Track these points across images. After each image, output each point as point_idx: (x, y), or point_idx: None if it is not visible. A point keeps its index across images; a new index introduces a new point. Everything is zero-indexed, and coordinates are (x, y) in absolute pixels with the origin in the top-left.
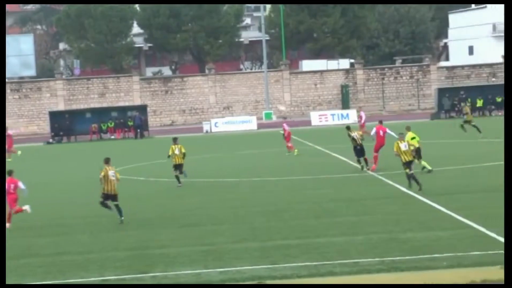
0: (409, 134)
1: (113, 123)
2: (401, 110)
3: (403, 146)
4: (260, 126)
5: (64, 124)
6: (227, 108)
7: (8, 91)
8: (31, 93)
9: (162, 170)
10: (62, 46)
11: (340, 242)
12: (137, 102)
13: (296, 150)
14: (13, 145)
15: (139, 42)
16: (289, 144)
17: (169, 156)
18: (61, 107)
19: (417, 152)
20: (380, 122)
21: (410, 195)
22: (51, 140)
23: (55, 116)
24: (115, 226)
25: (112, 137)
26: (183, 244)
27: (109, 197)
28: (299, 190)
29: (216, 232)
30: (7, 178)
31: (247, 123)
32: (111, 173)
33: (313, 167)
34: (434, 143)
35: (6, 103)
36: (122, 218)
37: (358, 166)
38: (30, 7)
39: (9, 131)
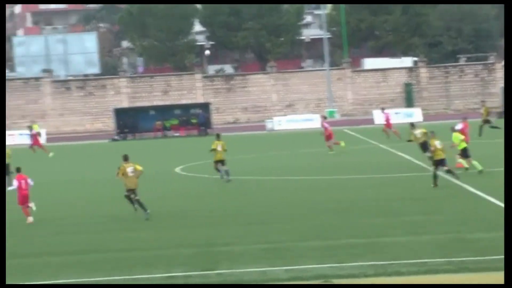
0: (454, 135)
1: (177, 121)
2: (466, 109)
3: (437, 143)
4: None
5: (129, 122)
6: (289, 106)
7: (73, 88)
8: (95, 91)
9: None
10: (125, 44)
11: (407, 242)
12: (200, 100)
13: (332, 150)
14: (41, 144)
15: (201, 40)
16: (330, 142)
17: (211, 151)
18: (125, 104)
19: (465, 152)
20: (464, 119)
21: (477, 195)
22: (116, 137)
23: (119, 114)
24: (180, 223)
25: (176, 134)
26: (247, 242)
27: (130, 192)
28: (363, 188)
29: (280, 230)
30: (17, 175)
31: (310, 121)
32: (129, 169)
33: (377, 165)
34: (498, 143)
35: (72, 101)
36: (148, 211)
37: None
38: (93, 5)
39: (34, 131)
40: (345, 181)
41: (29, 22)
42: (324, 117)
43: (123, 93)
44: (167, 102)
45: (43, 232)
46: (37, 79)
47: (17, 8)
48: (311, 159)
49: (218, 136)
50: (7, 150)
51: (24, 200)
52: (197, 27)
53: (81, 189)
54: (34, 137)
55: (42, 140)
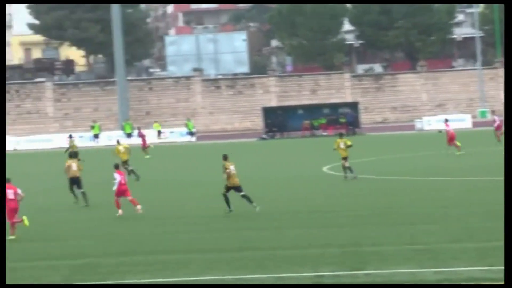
0: None
1: (325, 120)
2: None
3: None
4: (475, 124)
5: (277, 120)
6: (439, 106)
7: (222, 87)
8: (244, 90)
9: (372, 167)
10: (274, 43)
11: None
12: (348, 99)
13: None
14: (147, 143)
15: (350, 39)
16: (456, 143)
17: (334, 149)
18: (273, 103)
19: None
20: None
21: None
22: (264, 136)
23: (268, 112)
24: (327, 222)
25: (324, 133)
26: (396, 242)
27: (232, 189)
28: None
29: (429, 231)
30: (117, 170)
31: (461, 122)
32: (232, 167)
33: None
34: None
35: (222, 99)
36: (255, 204)
37: None
38: (243, 5)
39: (142, 131)
40: (494, 183)
41: (180, 22)
42: (446, 120)
43: (272, 92)
44: (316, 101)
45: (187, 228)
46: (188, 78)
47: (169, 8)
48: (460, 160)
49: (341, 135)
50: (126, 146)
51: (122, 193)
52: (347, 26)
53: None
54: (142, 137)
55: (193, 138)
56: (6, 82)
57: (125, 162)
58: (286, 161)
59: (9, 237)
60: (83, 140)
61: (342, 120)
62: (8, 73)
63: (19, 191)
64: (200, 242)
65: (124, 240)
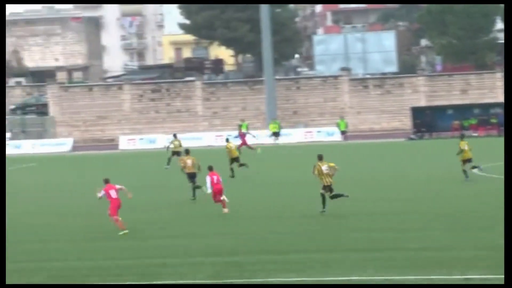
0: None
1: (475, 120)
2: None
3: None
4: None
5: (426, 120)
6: None
7: (370, 86)
8: (393, 89)
9: None
10: (423, 42)
11: None
12: (501, 99)
13: None
14: (248, 143)
15: (503, 38)
16: None
17: (459, 152)
18: (422, 103)
19: None
20: None
21: None
22: (413, 136)
23: (417, 112)
24: (477, 224)
25: (475, 134)
26: None
27: (326, 188)
28: None
29: None
30: (209, 172)
31: None
32: (324, 168)
33: None
34: None
35: (369, 99)
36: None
37: None
38: (392, 4)
39: (243, 131)
40: None
41: (329, 21)
42: None
43: (421, 92)
44: (466, 101)
45: (327, 227)
46: (335, 77)
47: (318, 7)
48: None
49: (462, 137)
50: (233, 145)
51: (218, 192)
52: (499, 25)
53: (379, 187)
54: (242, 137)
55: (338, 137)
56: (157, 80)
57: (236, 159)
58: (435, 161)
59: (120, 233)
60: (231, 139)
61: (493, 121)
62: (158, 72)
63: (118, 187)
64: (342, 242)
65: (265, 239)
